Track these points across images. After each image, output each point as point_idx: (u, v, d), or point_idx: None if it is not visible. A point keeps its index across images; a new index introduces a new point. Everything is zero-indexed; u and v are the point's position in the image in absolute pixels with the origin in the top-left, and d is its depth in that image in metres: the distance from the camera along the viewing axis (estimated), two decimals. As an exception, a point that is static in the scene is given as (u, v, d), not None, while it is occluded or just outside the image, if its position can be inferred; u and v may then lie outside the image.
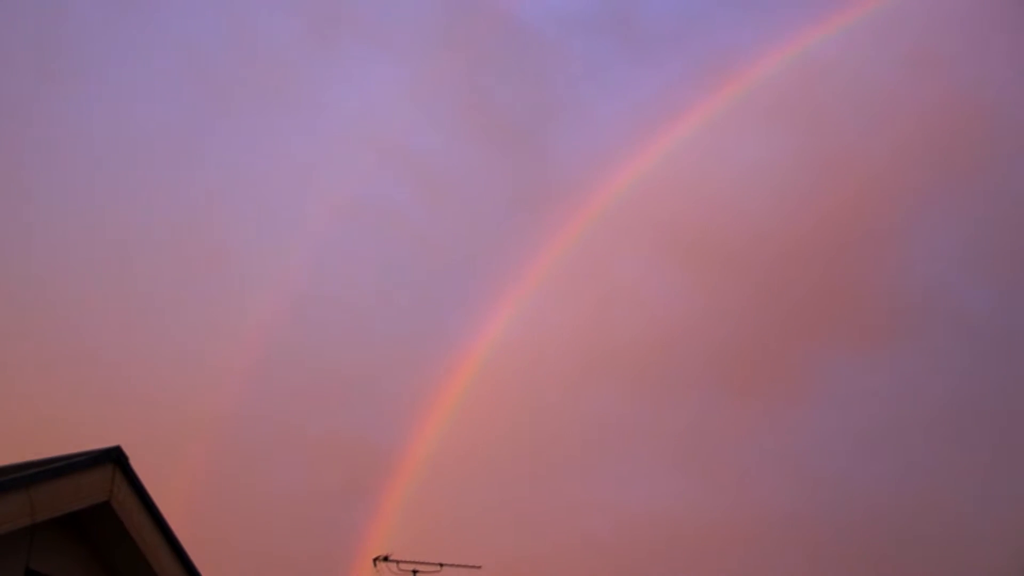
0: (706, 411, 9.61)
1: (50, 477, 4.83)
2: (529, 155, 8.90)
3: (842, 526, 11.00)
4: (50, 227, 11.42)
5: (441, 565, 7.95)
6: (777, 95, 8.65)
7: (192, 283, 10.33)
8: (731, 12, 8.21)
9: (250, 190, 9.76)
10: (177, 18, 9.45)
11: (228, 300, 10.43)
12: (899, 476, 10.98)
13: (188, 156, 9.90)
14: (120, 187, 10.75)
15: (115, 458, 5.27)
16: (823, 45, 8.52)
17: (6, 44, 10.76)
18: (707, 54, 8.46)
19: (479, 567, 8.02)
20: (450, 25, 8.76)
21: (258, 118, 9.39)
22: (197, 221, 10.08)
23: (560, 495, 11.33)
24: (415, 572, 7.88)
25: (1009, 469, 10.54)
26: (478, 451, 10.67)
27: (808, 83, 8.60)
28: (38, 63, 10.84)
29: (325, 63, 9.01)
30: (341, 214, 9.56)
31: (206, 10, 9.41)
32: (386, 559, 7.98)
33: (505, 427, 10.11)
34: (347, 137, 9.16)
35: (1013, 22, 8.24)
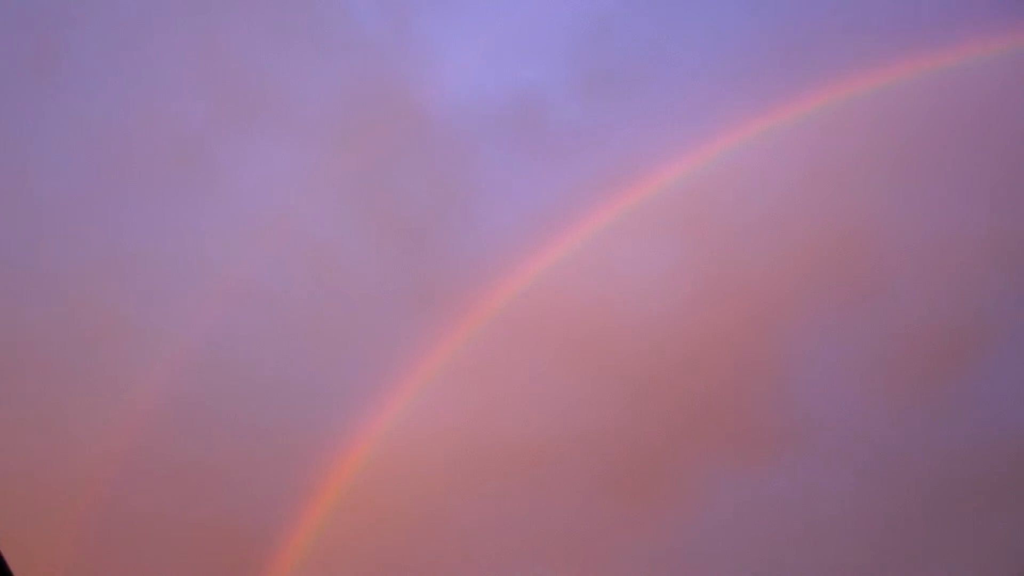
0: (590, 514, 9.61)
1: None
2: (428, 251, 8.91)
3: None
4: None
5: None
6: (677, 208, 8.86)
7: (79, 360, 10.02)
8: (635, 123, 8.43)
9: (145, 267, 9.56)
10: (80, 90, 9.31)
11: (112, 378, 10.13)
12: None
13: (85, 229, 9.69)
14: (13, 257, 10.46)
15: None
16: (723, 160, 8.79)
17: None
18: (610, 162, 8.63)
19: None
20: (358, 115, 8.80)
21: (157, 195, 9.26)
22: (90, 296, 9.81)
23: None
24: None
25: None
26: (358, 545, 10.47)
27: (708, 198, 8.83)
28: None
29: (228, 145, 8.95)
30: (234, 298, 9.42)
31: (111, 85, 9.30)
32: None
33: (388, 521, 9.95)
34: (245, 220, 9.07)
35: (909, 153, 8.64)
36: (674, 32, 8.50)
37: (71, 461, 10.50)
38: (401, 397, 9.63)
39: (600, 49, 8.49)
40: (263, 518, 10.23)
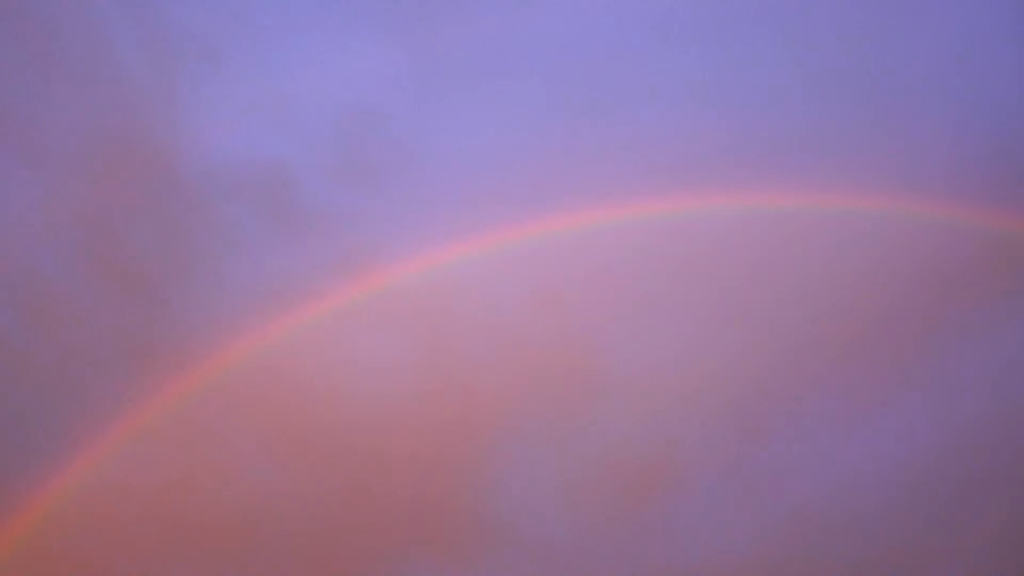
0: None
1: None
2: (154, 309, 8.57)
3: None
4: None
5: None
6: (413, 302, 8.95)
7: None
8: (381, 215, 8.51)
9: None
10: None
11: None
12: None
13: None
14: None
15: None
16: (462, 264, 8.99)
17: None
18: (352, 249, 8.66)
19: None
20: (102, 155, 8.43)
21: None
22: None
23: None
24: None
25: None
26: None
27: (444, 297, 8.98)
28: None
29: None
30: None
31: None
32: None
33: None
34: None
35: (638, 285, 9.08)
36: (436, 135, 8.69)
37: None
38: (100, 451, 9.18)
39: (361, 138, 8.57)
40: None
